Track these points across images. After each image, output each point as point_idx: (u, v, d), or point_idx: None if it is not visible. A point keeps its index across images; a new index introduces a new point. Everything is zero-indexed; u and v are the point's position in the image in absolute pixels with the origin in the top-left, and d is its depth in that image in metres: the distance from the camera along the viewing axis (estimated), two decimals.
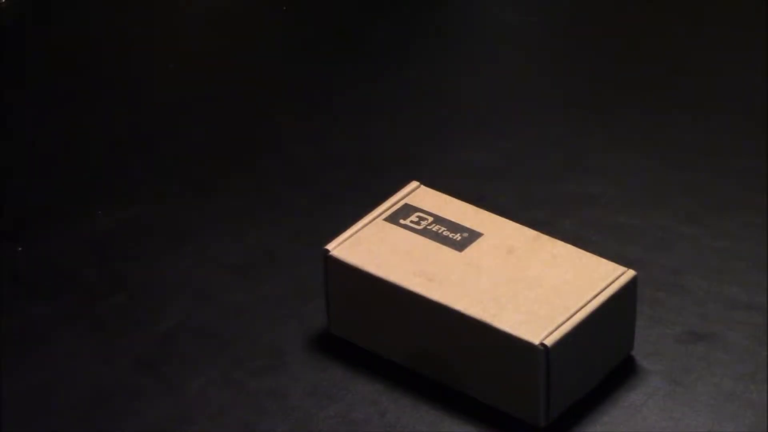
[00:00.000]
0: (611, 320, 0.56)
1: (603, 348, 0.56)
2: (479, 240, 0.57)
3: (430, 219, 0.59)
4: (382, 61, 0.86)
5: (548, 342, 0.52)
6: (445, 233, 0.58)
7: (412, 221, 0.59)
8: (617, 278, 0.55)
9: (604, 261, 0.57)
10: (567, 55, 0.86)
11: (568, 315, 0.53)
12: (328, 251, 0.58)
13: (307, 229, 0.68)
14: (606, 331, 0.55)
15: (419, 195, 0.60)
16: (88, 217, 0.69)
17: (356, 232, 0.59)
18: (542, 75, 0.84)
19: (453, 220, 0.59)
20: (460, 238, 0.58)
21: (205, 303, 0.63)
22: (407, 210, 0.60)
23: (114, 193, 0.71)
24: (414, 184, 0.61)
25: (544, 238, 0.58)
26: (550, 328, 0.53)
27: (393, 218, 0.59)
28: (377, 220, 0.59)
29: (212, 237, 0.68)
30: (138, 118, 0.79)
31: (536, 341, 0.52)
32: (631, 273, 0.56)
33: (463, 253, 0.57)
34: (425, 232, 0.58)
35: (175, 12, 0.94)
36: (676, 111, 0.79)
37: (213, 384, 0.58)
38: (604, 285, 0.55)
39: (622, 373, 0.58)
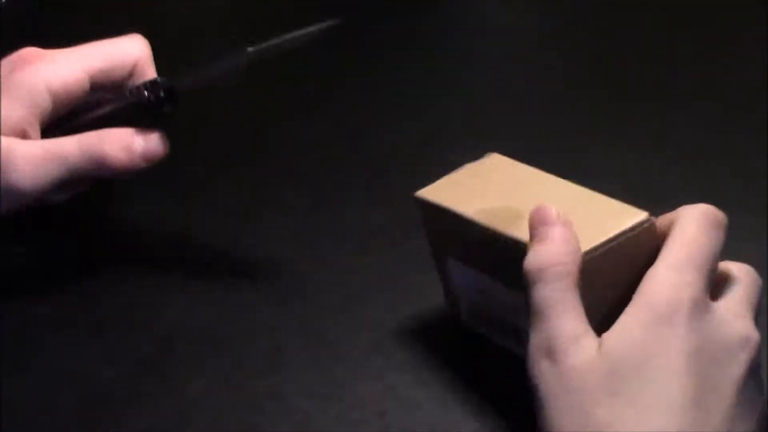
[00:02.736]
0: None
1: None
2: None
3: None
4: (383, 61, 0.86)
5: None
6: None
7: None
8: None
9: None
10: (567, 55, 0.86)
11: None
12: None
13: (307, 229, 0.68)
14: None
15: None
16: (87, 217, 0.69)
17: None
18: (542, 75, 0.84)
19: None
20: None
21: (205, 303, 0.63)
22: None
23: (114, 193, 0.71)
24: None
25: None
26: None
27: None
28: None
29: (212, 237, 0.68)
30: None
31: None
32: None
33: None
34: None
35: (176, 12, 0.94)
36: (676, 111, 0.79)
37: (213, 384, 0.58)
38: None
39: None
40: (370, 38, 0.88)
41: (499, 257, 0.54)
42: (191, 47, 0.88)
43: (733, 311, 0.49)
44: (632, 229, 0.51)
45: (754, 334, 0.49)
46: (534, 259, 0.50)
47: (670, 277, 0.48)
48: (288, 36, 0.58)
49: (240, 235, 0.68)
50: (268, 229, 0.69)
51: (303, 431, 0.56)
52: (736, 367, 0.47)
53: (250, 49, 0.57)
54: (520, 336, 0.55)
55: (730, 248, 0.66)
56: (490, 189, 0.57)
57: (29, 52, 0.60)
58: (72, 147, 0.59)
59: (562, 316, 0.48)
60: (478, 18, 0.91)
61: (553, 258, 0.49)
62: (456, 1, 0.94)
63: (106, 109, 0.61)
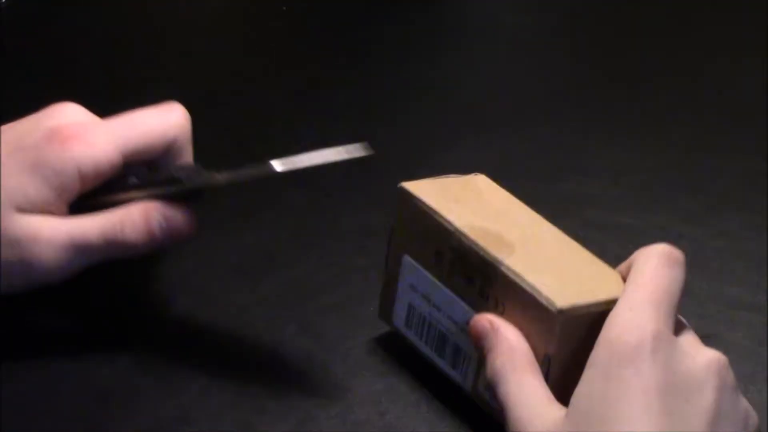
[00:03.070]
0: None
1: None
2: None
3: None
4: (382, 61, 0.86)
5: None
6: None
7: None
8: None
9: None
10: (567, 55, 0.86)
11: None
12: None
13: (307, 229, 0.68)
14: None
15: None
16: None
17: None
18: (541, 75, 0.84)
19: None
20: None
21: (206, 303, 0.63)
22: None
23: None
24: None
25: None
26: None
27: None
28: None
29: (212, 237, 0.68)
30: None
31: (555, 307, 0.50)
32: None
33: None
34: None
35: (175, 12, 0.94)
36: (675, 111, 0.79)
37: (213, 384, 0.58)
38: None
39: None
40: (370, 38, 0.88)
41: (468, 273, 0.54)
42: (191, 47, 0.88)
43: (692, 343, 0.50)
44: (613, 301, 0.50)
45: (719, 356, 0.49)
46: (489, 369, 0.52)
47: (628, 318, 0.48)
48: (317, 157, 0.56)
49: (240, 235, 0.68)
50: (268, 229, 0.69)
51: (303, 431, 0.56)
52: (706, 396, 0.47)
53: (276, 167, 0.55)
54: (456, 358, 0.55)
55: (731, 248, 0.66)
56: (477, 204, 0.57)
57: (67, 128, 0.56)
58: (95, 235, 0.56)
59: (520, 404, 0.50)
60: (478, 17, 0.91)
61: (500, 360, 0.51)
62: (457, 1, 0.94)
63: (131, 192, 0.58)
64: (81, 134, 0.56)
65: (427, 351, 0.57)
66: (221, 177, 0.57)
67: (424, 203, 0.56)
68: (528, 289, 0.51)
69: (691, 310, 0.61)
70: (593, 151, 0.74)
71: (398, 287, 0.58)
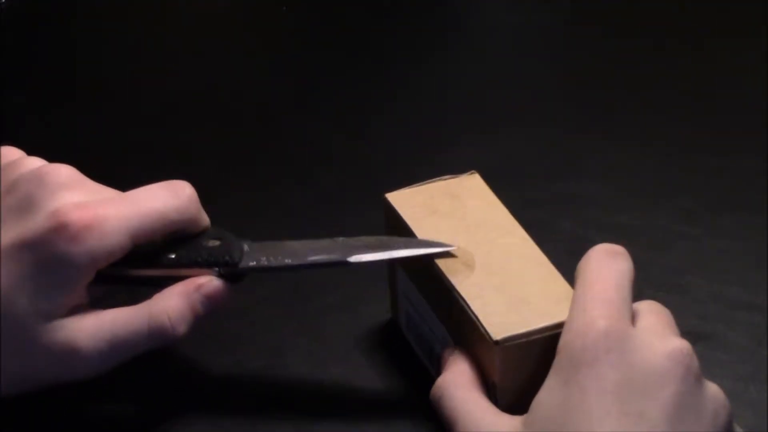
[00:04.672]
0: None
1: None
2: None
3: None
4: (383, 61, 0.86)
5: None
6: None
7: None
8: None
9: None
10: (567, 55, 0.86)
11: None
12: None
13: (307, 229, 0.68)
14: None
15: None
16: None
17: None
18: (542, 75, 0.84)
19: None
20: None
21: None
22: None
23: None
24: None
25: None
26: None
27: None
28: None
29: None
30: (138, 119, 0.79)
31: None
32: None
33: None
34: None
35: (175, 12, 0.94)
36: (675, 111, 0.79)
37: (213, 384, 0.58)
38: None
39: None
40: (371, 38, 0.88)
41: (437, 291, 0.54)
42: (191, 47, 0.88)
43: (653, 332, 0.49)
44: (562, 324, 0.49)
45: (682, 345, 0.48)
46: (434, 387, 0.52)
47: (579, 320, 0.48)
48: (390, 251, 0.55)
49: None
50: (268, 229, 0.68)
51: (303, 431, 0.56)
52: (667, 388, 0.46)
53: (351, 259, 0.54)
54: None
55: (731, 248, 0.66)
56: (455, 216, 0.56)
57: (78, 220, 0.52)
58: (138, 331, 0.54)
59: (466, 416, 0.50)
60: (479, 18, 0.91)
61: (443, 378, 0.52)
62: (457, 1, 0.94)
63: (172, 270, 0.56)
64: (93, 226, 0.52)
65: (422, 357, 0.58)
66: (283, 259, 0.55)
67: (401, 217, 0.56)
68: (473, 317, 0.51)
69: (691, 310, 0.61)
70: (593, 151, 0.74)
71: (398, 293, 0.59)
